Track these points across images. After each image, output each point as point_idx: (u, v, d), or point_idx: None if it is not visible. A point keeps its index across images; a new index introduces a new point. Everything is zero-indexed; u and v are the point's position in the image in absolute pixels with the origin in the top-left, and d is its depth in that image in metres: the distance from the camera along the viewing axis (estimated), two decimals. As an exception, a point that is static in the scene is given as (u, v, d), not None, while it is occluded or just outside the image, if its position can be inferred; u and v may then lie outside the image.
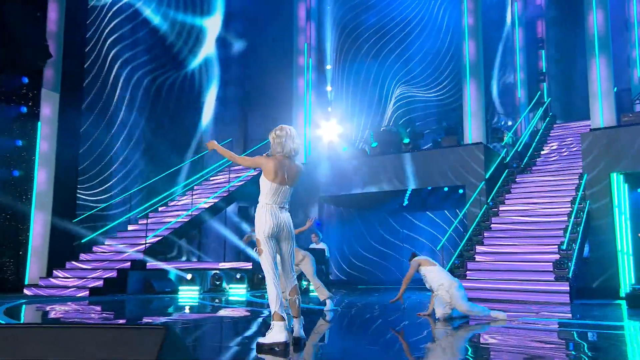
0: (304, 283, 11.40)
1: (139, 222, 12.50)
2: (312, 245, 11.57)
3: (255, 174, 13.75)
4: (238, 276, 11.81)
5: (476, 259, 10.17)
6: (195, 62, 15.07)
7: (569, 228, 9.58)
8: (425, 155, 13.13)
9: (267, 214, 4.06)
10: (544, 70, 18.58)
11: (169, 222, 11.72)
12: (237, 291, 11.46)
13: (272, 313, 3.99)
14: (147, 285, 10.76)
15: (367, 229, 15.76)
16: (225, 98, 15.73)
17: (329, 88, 15.96)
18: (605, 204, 10.79)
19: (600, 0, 11.47)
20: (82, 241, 11.78)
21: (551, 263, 9.14)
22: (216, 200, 12.51)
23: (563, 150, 14.20)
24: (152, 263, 10.98)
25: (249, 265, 12.61)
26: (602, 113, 11.12)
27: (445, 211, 16.09)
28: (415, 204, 15.44)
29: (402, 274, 15.69)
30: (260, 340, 4.00)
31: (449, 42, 15.65)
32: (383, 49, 16.80)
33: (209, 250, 12.43)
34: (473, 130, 12.44)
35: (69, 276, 10.67)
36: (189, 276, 11.01)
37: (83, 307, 8.08)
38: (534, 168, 13.23)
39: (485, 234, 10.80)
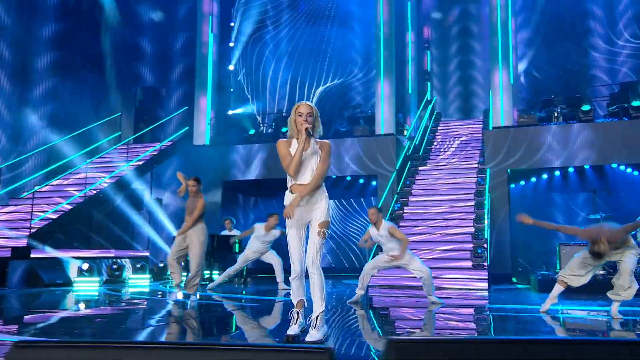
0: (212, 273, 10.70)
1: (8, 203, 10.65)
2: (225, 232, 10.88)
3: (155, 153, 12.54)
4: (139, 265, 10.67)
5: (395, 247, 10.37)
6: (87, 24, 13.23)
7: (486, 218, 10.23)
8: (336, 143, 13.09)
9: None
10: (428, 70, 19.73)
11: (61, 202, 10.14)
12: (140, 282, 10.34)
13: (322, 310, 3.63)
14: (34, 277, 9.20)
15: (265, 217, 15.24)
16: (115, 67, 14.06)
17: (231, 67, 15.13)
18: (503, 197, 11.75)
19: (507, 15, 12.42)
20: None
21: (469, 252, 9.67)
22: (115, 179, 11.14)
23: (452, 145, 15.18)
24: (39, 250, 9.40)
25: (147, 253, 11.53)
26: (502, 114, 12.07)
27: (343, 200, 16.29)
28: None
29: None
30: (314, 337, 3.58)
31: (366, 33, 15.72)
32: (299, 31, 16.36)
33: (108, 236, 11.03)
34: (385, 122, 12.70)
35: None
36: (85, 265, 9.64)
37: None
38: (429, 161, 13.94)
39: (401, 223, 11.09)
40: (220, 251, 10.32)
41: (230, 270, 8.87)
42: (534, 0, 15.93)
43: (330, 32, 16.40)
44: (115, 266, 10.24)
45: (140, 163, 11.91)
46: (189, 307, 6.47)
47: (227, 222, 10.93)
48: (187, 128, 13.61)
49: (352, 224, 16.10)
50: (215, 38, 14.43)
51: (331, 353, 1.14)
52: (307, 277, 3.84)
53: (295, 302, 3.78)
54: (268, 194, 15.05)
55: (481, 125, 15.18)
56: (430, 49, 19.84)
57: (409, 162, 13.35)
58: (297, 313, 3.71)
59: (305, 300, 3.80)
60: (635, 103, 11.79)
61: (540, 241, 13.65)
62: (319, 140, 3.93)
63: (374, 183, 14.07)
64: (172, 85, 14.47)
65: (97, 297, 8.15)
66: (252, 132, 13.84)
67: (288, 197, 3.89)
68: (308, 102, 3.93)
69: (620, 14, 15.05)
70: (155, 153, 12.35)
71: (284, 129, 13.42)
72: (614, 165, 12.22)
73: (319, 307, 3.67)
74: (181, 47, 14.51)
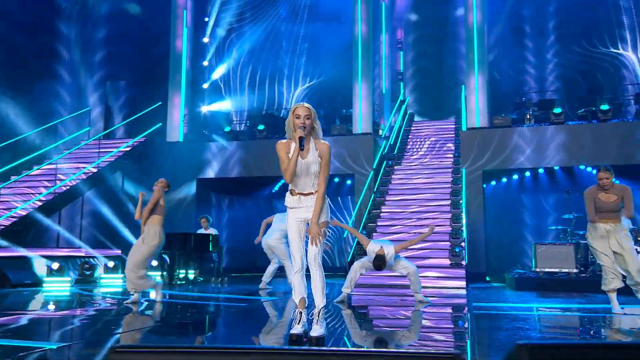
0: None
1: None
2: (201, 231, 10.68)
3: (127, 149, 12.21)
4: (111, 264, 10.35)
5: (373, 246, 10.39)
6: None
7: (464, 217, 10.35)
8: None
9: None
10: (401, 70, 19.88)
11: (30, 199, 9.75)
12: (112, 281, 10.04)
13: (323, 305, 3.59)
14: (0, 277, 8.80)
15: (240, 216, 15.07)
16: (84, 60, 13.61)
17: (205, 63, 14.86)
18: (477, 196, 11.93)
19: (481, 25, 12.61)
20: None
21: (447, 250, 9.77)
22: (87, 175, 10.78)
23: (426, 145, 15.32)
24: (5, 249, 9.01)
25: (119, 252, 11.21)
26: (477, 114, 12.27)
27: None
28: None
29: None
30: (318, 333, 3.57)
31: (344, 32, 15.66)
32: (276, 29, 16.18)
33: (79, 234, 10.67)
34: (363, 121, 12.73)
35: None
36: (55, 265, 9.29)
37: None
38: (404, 161, 14.04)
39: (378, 222, 11.13)
40: (197, 251, 10.12)
41: (287, 262, 8.12)
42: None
43: (308, 30, 16.32)
44: (86, 265, 9.91)
45: (112, 159, 11.58)
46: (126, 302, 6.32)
47: (203, 220, 10.74)
48: (160, 124, 13.30)
49: (326, 223, 16.04)
50: (190, 33, 14.15)
51: (459, 359, 1.10)
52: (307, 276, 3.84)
53: (297, 301, 3.74)
54: (243, 191, 14.87)
55: (454, 126, 15.38)
56: (404, 50, 20.00)
57: (385, 162, 13.41)
58: (300, 313, 3.67)
59: (306, 299, 3.76)
60: (603, 107, 12.15)
61: (512, 240, 13.95)
62: (321, 141, 3.86)
63: (348, 182, 14.10)
64: (144, 80, 14.11)
65: (69, 298, 7.86)
66: (227, 129, 13.64)
67: (288, 199, 3.89)
68: (306, 104, 3.83)
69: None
70: (128, 149, 12.02)
71: (260, 127, 13.29)
72: (582, 167, 12.57)
73: (320, 302, 3.68)
74: (154, 41, 14.16)
